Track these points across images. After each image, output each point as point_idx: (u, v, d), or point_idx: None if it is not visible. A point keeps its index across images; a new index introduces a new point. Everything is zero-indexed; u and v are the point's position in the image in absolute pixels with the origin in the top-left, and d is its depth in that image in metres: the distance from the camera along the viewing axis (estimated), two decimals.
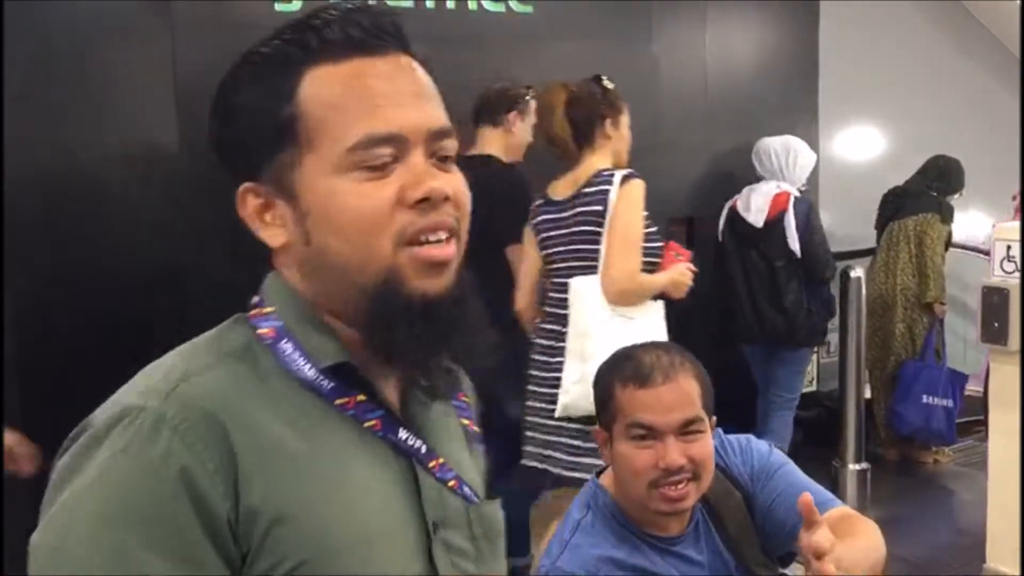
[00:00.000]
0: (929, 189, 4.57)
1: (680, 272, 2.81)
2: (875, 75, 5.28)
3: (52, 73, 2.98)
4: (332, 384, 0.83)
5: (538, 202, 2.94)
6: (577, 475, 2.61)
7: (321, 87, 0.82)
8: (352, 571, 0.79)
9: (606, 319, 2.67)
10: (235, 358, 0.83)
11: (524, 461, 2.86)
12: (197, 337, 0.87)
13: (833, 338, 4.49)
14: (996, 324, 3.23)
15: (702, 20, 4.52)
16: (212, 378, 0.80)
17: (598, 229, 2.72)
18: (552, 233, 2.86)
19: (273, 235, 0.85)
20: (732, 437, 1.70)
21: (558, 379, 2.72)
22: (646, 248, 2.75)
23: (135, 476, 0.74)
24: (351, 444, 0.83)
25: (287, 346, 0.84)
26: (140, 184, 3.16)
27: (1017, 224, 3.58)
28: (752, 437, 1.72)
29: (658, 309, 2.78)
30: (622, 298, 2.70)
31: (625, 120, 2.90)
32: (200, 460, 0.75)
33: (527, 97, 3.31)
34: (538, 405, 2.82)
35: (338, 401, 0.83)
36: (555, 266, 2.86)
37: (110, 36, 3.16)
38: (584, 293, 2.71)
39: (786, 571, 1.71)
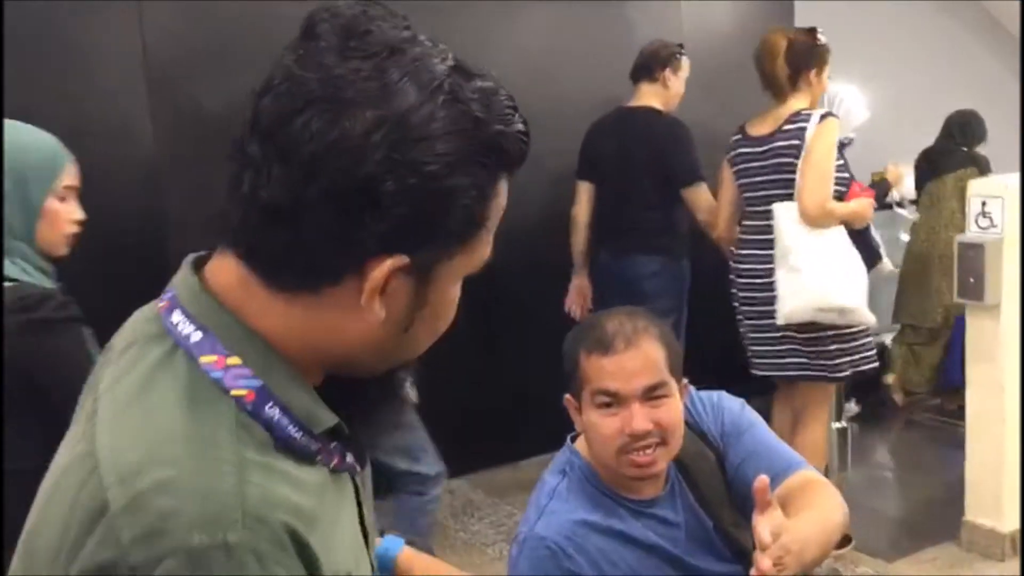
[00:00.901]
0: (959, 146, 4.67)
1: (864, 205, 3.24)
2: (852, 39, 5.26)
3: (16, 43, 2.92)
4: (318, 445, 0.78)
5: (736, 137, 3.34)
6: (810, 373, 3.25)
7: (500, 195, 0.79)
8: None
9: (805, 236, 3.09)
10: (250, 446, 0.73)
11: (755, 371, 3.38)
12: (164, 416, 0.72)
13: None
14: (972, 279, 3.25)
15: None
16: (257, 483, 0.71)
17: (795, 161, 3.12)
18: (751, 164, 3.26)
19: (379, 307, 0.76)
20: (704, 394, 1.70)
21: (772, 294, 3.16)
22: (836, 178, 3.15)
23: None
24: (331, 486, 0.80)
25: (273, 411, 0.75)
26: (109, 155, 3.12)
27: (992, 180, 3.60)
28: (724, 394, 1.72)
29: (841, 232, 3.17)
30: (814, 222, 3.08)
31: (827, 71, 3.28)
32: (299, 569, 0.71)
33: (678, 55, 3.73)
34: (758, 321, 3.28)
35: (319, 454, 0.79)
36: (754, 194, 3.27)
37: (76, 6, 3.11)
38: (786, 216, 3.11)
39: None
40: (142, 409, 0.73)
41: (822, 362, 3.23)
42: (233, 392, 0.74)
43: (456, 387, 3.43)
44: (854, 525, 3.43)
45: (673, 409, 1.54)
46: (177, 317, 0.77)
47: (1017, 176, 3.36)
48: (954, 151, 4.66)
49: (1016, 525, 3.35)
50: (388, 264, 0.74)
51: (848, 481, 4.19)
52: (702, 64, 4.38)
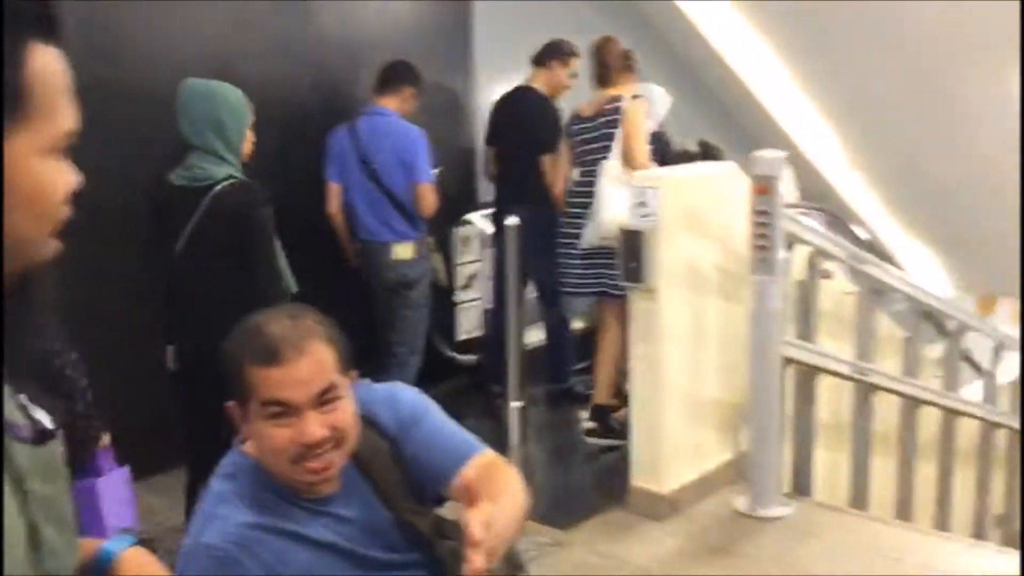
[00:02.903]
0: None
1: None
2: (530, 28, 5.53)
3: None
4: None
5: (573, 119, 4.43)
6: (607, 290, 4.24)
7: (38, 63, 0.81)
8: None
9: (619, 187, 3.96)
10: None
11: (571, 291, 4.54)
12: None
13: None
14: (633, 264, 3.52)
15: None
16: None
17: (615, 131, 4.19)
18: (584, 136, 4.32)
19: None
20: (379, 386, 1.70)
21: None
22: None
23: None
24: None
25: None
26: None
27: (648, 171, 3.92)
28: (399, 384, 1.72)
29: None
30: (638, 170, 3.98)
31: (637, 69, 4.44)
32: None
33: (570, 52, 4.72)
34: (579, 249, 4.29)
35: None
36: (585, 158, 4.32)
37: None
38: (610, 170, 4.12)
39: (440, 511, 1.75)
40: None
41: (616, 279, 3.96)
42: None
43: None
44: (535, 498, 3.63)
45: (347, 410, 1.51)
46: None
47: (671, 168, 3.70)
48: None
49: (675, 486, 3.70)
50: None
51: (529, 455, 4.41)
52: (384, 57, 4.44)
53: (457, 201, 5.00)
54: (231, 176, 2.93)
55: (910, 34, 5.82)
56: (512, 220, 4.19)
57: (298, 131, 4.38)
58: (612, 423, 4.38)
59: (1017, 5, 4.55)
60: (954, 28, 5.60)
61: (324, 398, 1.48)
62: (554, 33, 5.09)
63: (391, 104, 4.29)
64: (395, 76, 4.30)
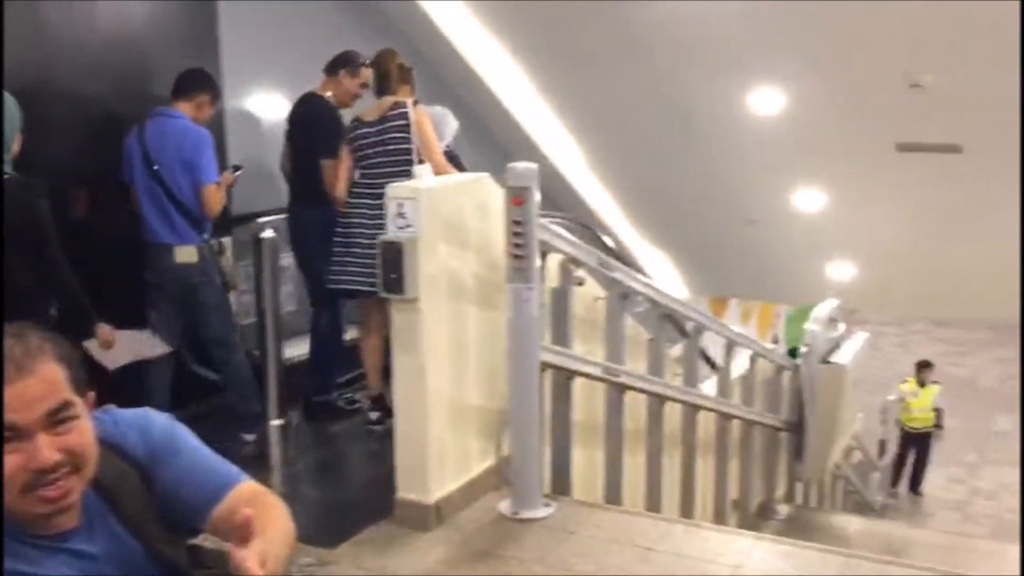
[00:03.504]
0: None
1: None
2: (276, 38, 5.42)
3: None
4: None
5: (353, 124, 4.58)
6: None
7: None
8: None
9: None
10: None
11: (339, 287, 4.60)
12: None
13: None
14: (394, 275, 3.51)
15: None
16: None
17: (402, 135, 4.42)
18: (366, 140, 4.48)
19: None
20: (128, 412, 1.59)
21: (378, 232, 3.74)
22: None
23: None
24: None
25: None
26: None
27: (407, 183, 3.92)
28: (150, 411, 1.62)
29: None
30: (440, 173, 4.13)
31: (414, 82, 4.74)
32: None
33: (360, 63, 4.94)
34: (366, 250, 4.27)
35: None
36: (369, 162, 4.49)
37: None
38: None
39: (196, 541, 1.67)
40: None
41: None
42: None
43: None
44: (299, 518, 3.54)
45: (84, 432, 1.40)
46: None
47: (433, 180, 3.72)
48: None
49: (440, 495, 3.72)
50: None
51: (292, 474, 4.29)
52: (120, 57, 4.25)
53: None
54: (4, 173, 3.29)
55: (647, 52, 6.21)
56: (267, 233, 4.08)
57: (93, 134, 4.38)
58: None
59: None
60: (690, 48, 6.03)
61: (56, 418, 1.36)
62: (300, 37, 5.06)
63: (185, 109, 4.34)
64: (190, 82, 4.37)
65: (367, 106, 4.70)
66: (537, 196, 3.48)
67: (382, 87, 4.61)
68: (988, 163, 6.32)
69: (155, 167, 4.22)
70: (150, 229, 4.29)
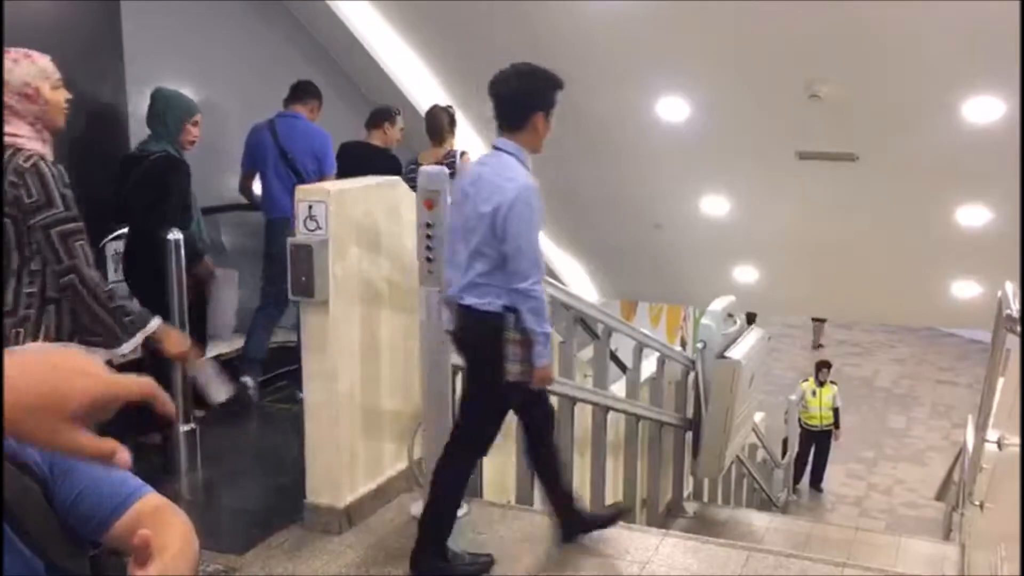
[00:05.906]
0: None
1: None
2: (179, 37, 5.34)
3: None
4: None
5: (411, 166, 5.37)
6: None
7: None
8: None
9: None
10: None
11: None
12: None
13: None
14: (304, 278, 3.48)
15: None
16: None
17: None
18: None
19: None
20: None
21: None
22: None
23: None
24: None
25: None
26: None
27: (317, 185, 3.91)
28: None
29: None
30: None
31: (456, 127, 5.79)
32: None
33: (395, 114, 5.70)
34: None
35: None
36: None
37: None
38: None
39: (97, 551, 1.64)
40: None
41: None
42: None
43: None
44: (206, 526, 3.48)
45: None
46: None
47: (339, 182, 3.70)
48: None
49: (351, 499, 3.71)
50: None
51: (197, 481, 4.22)
52: None
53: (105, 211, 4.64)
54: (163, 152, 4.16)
55: (550, 57, 6.29)
56: (175, 235, 4.01)
57: None
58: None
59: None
60: (598, 54, 6.12)
61: None
62: (205, 37, 4.99)
63: (301, 111, 5.21)
64: (303, 91, 5.30)
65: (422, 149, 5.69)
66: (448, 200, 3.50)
67: (434, 137, 5.58)
68: (882, 170, 6.57)
69: (288, 156, 5.08)
70: (276, 206, 5.06)
